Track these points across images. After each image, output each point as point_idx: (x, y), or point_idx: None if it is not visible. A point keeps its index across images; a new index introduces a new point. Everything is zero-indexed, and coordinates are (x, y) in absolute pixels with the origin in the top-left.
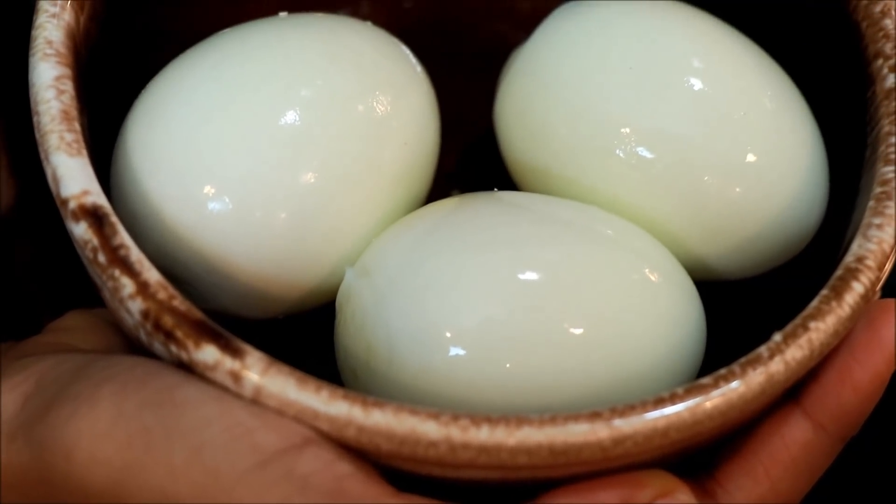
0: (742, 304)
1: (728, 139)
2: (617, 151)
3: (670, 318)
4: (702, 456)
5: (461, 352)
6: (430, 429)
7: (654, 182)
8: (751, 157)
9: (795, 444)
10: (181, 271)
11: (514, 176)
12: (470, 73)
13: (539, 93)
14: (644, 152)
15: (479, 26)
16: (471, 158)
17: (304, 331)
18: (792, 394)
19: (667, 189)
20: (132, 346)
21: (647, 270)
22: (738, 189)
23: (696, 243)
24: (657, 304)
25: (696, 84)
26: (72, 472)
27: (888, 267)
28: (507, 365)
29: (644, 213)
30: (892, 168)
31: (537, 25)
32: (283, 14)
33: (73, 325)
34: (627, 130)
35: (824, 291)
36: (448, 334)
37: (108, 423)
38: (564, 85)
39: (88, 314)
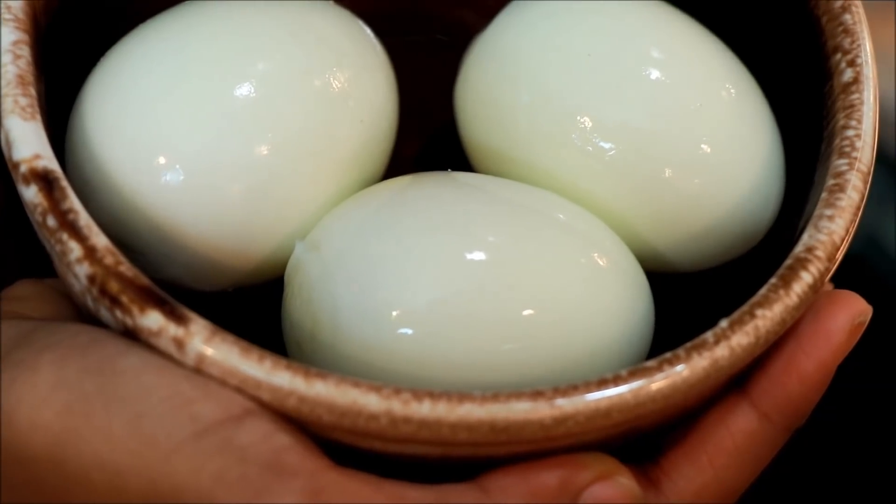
0: (693, 295)
1: (684, 130)
2: (574, 138)
3: (617, 303)
4: (647, 445)
5: (407, 330)
6: (371, 401)
7: (609, 170)
8: (707, 149)
9: (740, 434)
10: (133, 240)
11: (473, 162)
12: (432, 60)
13: (499, 79)
14: (600, 140)
15: (442, 13)
16: (431, 144)
17: (253, 305)
18: (738, 384)
19: (622, 178)
20: (80, 314)
21: (595, 255)
22: (693, 180)
23: (650, 234)
24: (604, 289)
25: (654, 74)
26: (11, 437)
27: (838, 258)
28: (453, 344)
29: (599, 201)
30: (845, 161)
31: (498, 13)
32: None
33: (23, 294)
34: (584, 118)
35: (773, 280)
36: (394, 313)
37: (48, 390)
38: (524, 71)
39: (38, 283)
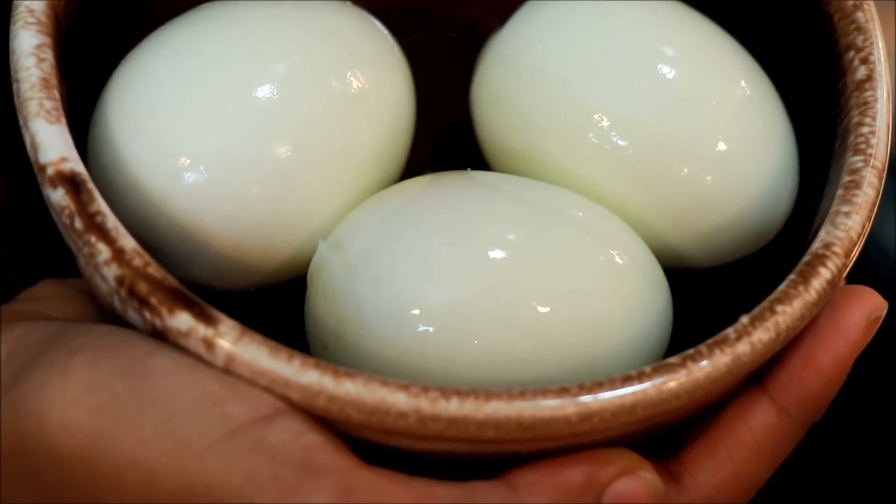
0: (711, 291)
1: (700, 128)
2: (590, 136)
3: (636, 299)
4: (667, 440)
5: (429, 328)
6: (399, 400)
7: (625, 168)
8: (722, 146)
9: (759, 428)
10: (156, 240)
11: (489, 160)
12: (443, 59)
13: (515, 78)
14: (616, 138)
15: (454, 12)
16: (445, 143)
17: (275, 305)
18: (757, 379)
19: (638, 175)
20: (104, 315)
21: (614, 253)
22: (708, 177)
23: (666, 230)
24: (623, 286)
25: (670, 73)
26: (44, 438)
27: (855, 254)
28: (475, 342)
29: (615, 198)
30: (860, 157)
31: (512, 13)
32: None
33: (46, 294)
34: (601, 116)
35: (792, 276)
36: (416, 311)
37: (80, 391)
38: (540, 70)
39: (61, 283)
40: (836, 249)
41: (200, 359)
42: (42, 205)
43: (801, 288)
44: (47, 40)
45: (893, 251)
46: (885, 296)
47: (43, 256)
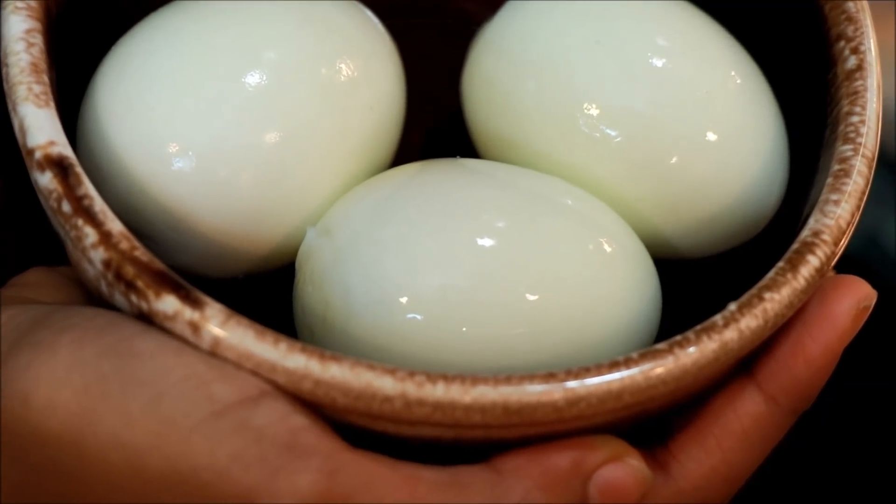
0: (701, 280)
1: (690, 117)
2: (581, 125)
3: (625, 288)
4: (655, 429)
5: (417, 316)
6: (385, 384)
7: (616, 157)
8: (712, 136)
9: (748, 416)
10: (145, 226)
11: (480, 149)
12: (434, 47)
13: (507, 67)
14: (607, 127)
15: (448, 5)
16: (437, 135)
17: (263, 293)
18: (745, 367)
19: (628, 165)
20: (92, 300)
21: (603, 241)
22: (698, 167)
23: (656, 220)
24: (612, 274)
25: (661, 62)
26: (29, 417)
27: (844, 242)
28: (463, 329)
29: (606, 187)
30: (850, 146)
31: (503, 3)
32: None
33: (35, 281)
34: (591, 105)
35: (780, 264)
36: (404, 298)
37: (66, 371)
38: (532, 59)
39: (50, 270)
40: (825, 237)
41: (187, 342)
42: (40, 204)
43: (789, 275)
44: (37, 25)
45: (893, 251)
46: (885, 296)
47: (42, 256)
